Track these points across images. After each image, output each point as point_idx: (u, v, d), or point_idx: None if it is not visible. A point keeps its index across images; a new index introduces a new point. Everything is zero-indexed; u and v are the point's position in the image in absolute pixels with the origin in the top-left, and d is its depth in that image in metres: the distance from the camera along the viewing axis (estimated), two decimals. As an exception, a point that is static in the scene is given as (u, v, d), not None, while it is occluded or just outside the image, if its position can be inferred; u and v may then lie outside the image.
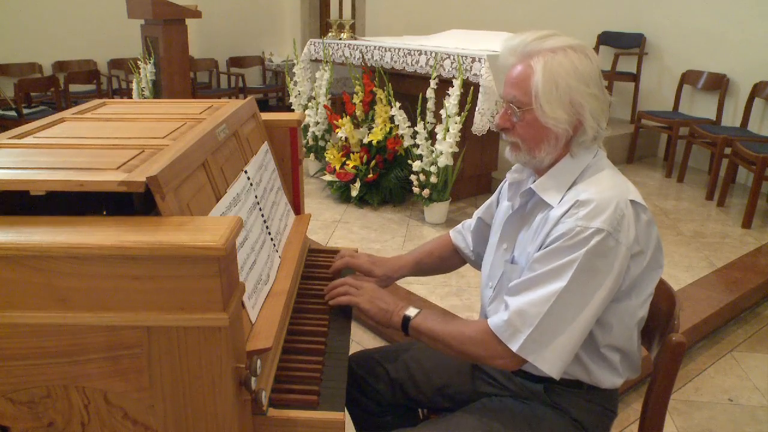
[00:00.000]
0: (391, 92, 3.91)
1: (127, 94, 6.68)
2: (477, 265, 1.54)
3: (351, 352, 1.34)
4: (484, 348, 1.16)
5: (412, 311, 1.28)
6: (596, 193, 1.12)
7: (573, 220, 1.11)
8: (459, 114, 3.58)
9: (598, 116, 1.16)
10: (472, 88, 3.61)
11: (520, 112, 1.18)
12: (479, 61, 3.58)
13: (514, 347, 1.12)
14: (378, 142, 4.00)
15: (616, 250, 1.10)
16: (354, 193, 4.02)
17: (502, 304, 1.18)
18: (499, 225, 1.35)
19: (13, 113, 5.12)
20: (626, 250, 1.11)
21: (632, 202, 1.14)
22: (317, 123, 4.59)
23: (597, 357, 1.22)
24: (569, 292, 1.09)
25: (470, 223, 1.57)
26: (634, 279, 1.17)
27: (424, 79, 3.86)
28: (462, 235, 1.58)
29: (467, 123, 3.64)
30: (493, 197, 1.49)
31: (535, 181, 1.28)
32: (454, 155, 3.64)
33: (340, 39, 4.73)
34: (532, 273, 1.13)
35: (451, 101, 3.58)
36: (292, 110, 4.74)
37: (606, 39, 5.60)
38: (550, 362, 1.11)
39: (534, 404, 1.27)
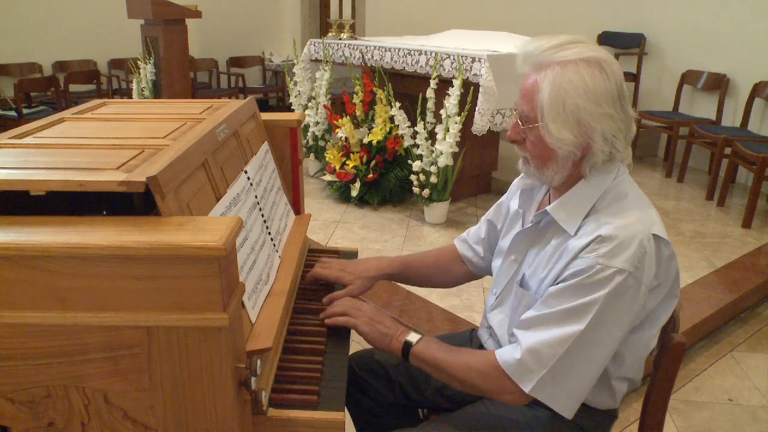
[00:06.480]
0: (391, 92, 3.91)
1: (127, 94, 6.68)
2: (488, 272, 1.49)
3: (351, 352, 1.34)
4: (491, 383, 1.12)
5: (413, 337, 1.21)
6: (619, 229, 1.06)
7: (593, 256, 1.05)
8: (459, 114, 3.58)
9: (612, 137, 1.08)
10: (472, 88, 3.61)
11: (526, 127, 1.13)
12: (479, 61, 3.58)
13: (526, 388, 1.08)
14: (378, 142, 4.00)
15: (635, 289, 1.05)
16: (354, 193, 4.02)
17: (513, 336, 1.14)
18: (509, 232, 1.32)
19: (13, 113, 5.12)
20: (645, 288, 1.07)
21: (655, 236, 1.08)
22: (317, 123, 4.60)
23: (605, 388, 1.19)
24: (587, 335, 1.05)
25: (476, 231, 1.49)
26: (650, 311, 1.14)
27: (424, 79, 3.86)
28: (468, 244, 1.50)
29: (467, 123, 3.64)
30: (503, 199, 1.44)
31: (548, 192, 1.25)
32: (454, 155, 3.64)
33: (340, 39, 4.73)
34: (548, 309, 1.08)
35: (451, 101, 3.58)
36: (292, 110, 4.74)
37: (606, 39, 5.60)
38: (562, 402, 1.08)
39: (534, 406, 1.26)
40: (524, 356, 1.08)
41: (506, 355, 1.11)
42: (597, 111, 1.06)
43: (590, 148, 1.09)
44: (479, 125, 3.58)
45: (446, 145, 3.58)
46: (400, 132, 3.90)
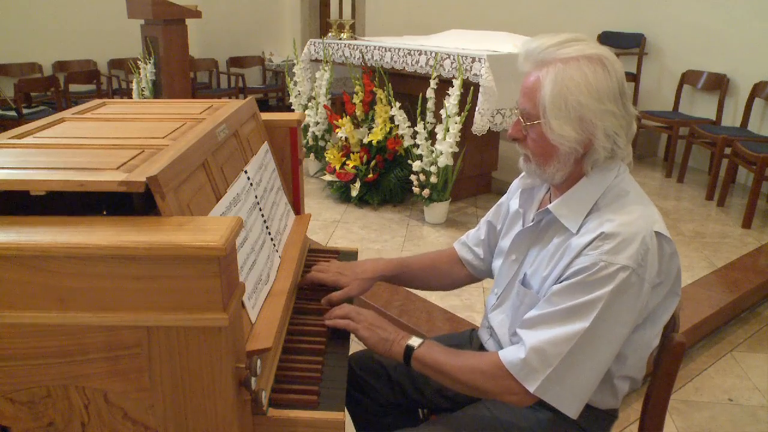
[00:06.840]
0: (391, 92, 3.91)
1: (127, 94, 6.68)
2: (488, 274, 1.48)
3: (351, 352, 1.34)
4: (495, 384, 1.11)
5: (415, 341, 1.20)
6: (622, 226, 1.06)
7: (597, 253, 1.05)
8: (459, 114, 3.58)
9: (614, 134, 1.09)
10: (472, 88, 3.61)
11: (528, 124, 1.13)
12: (479, 61, 3.58)
13: (531, 388, 1.08)
14: (378, 142, 4.00)
15: (638, 286, 1.05)
16: (354, 193, 4.02)
17: (516, 336, 1.14)
18: (509, 232, 1.32)
19: (13, 113, 5.12)
20: (648, 285, 1.07)
21: (657, 233, 1.09)
22: (317, 123, 4.60)
23: (607, 387, 1.19)
24: (591, 333, 1.05)
25: (476, 233, 1.49)
26: (651, 309, 1.14)
27: (424, 79, 3.86)
28: (467, 246, 1.50)
29: (467, 123, 3.64)
30: (503, 199, 1.44)
31: (549, 191, 1.25)
32: (454, 155, 3.64)
33: (340, 39, 4.73)
34: (552, 307, 1.08)
35: (451, 101, 3.58)
36: (292, 110, 4.75)
37: (606, 39, 5.60)
38: (567, 402, 1.08)
39: (536, 407, 1.25)
40: (529, 356, 1.07)
41: (510, 355, 1.11)
42: (599, 108, 1.06)
43: (592, 144, 1.10)
44: (479, 125, 3.58)
45: (446, 145, 3.58)
46: (400, 132, 3.90)
